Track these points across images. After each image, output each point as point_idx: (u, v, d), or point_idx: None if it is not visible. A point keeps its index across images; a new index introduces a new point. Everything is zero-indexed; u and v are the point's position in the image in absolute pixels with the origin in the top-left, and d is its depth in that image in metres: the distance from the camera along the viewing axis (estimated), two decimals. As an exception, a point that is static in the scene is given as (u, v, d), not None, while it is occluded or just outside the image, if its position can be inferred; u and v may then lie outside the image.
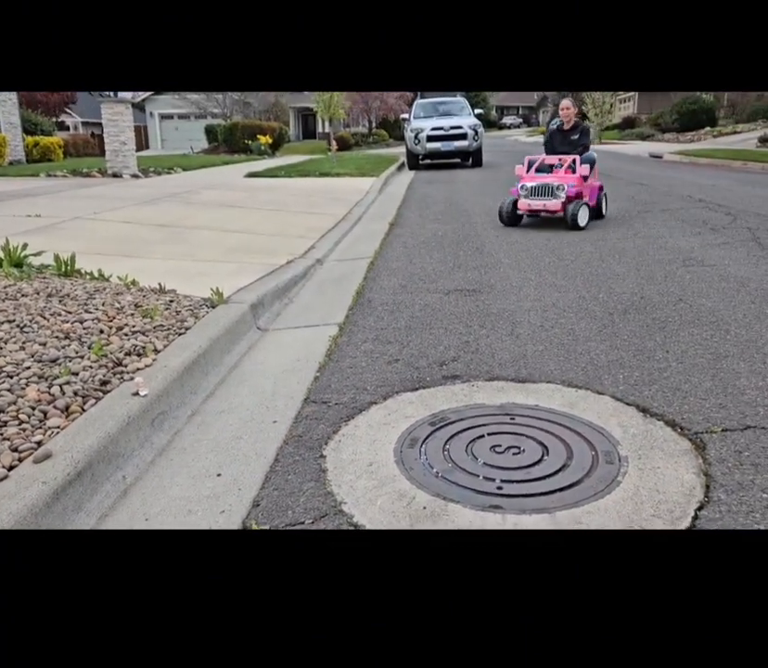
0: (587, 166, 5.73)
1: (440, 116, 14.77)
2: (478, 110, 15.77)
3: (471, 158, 14.33)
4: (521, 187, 5.75)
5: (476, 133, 13.76)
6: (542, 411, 2.07)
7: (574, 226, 5.41)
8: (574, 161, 5.82)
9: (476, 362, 2.52)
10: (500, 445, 1.86)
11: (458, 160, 14.86)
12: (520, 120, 63.88)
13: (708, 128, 24.36)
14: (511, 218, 5.85)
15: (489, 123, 47.94)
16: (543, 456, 1.80)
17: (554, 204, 5.57)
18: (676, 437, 1.86)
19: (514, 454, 1.82)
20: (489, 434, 1.93)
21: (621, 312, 3.11)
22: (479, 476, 1.71)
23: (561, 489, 1.65)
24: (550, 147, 6.22)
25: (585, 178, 5.78)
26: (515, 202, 5.79)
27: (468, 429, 1.97)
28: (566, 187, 5.53)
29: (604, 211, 6.24)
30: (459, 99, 16.96)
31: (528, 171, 5.99)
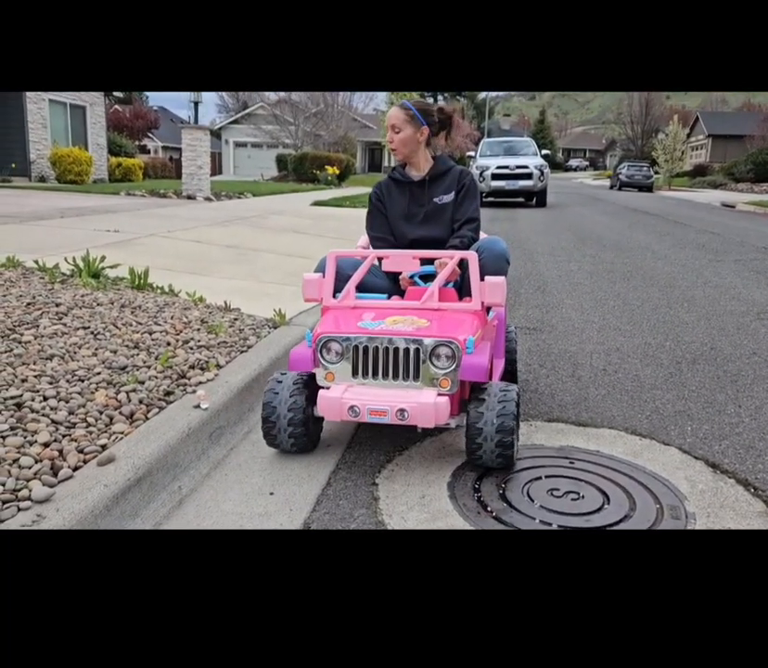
0: (501, 282, 1.99)
1: (506, 155, 14.93)
2: (545, 151, 15.88)
3: (535, 198, 14.37)
4: (322, 346, 1.87)
5: (541, 173, 13.81)
6: (603, 457, 2.00)
7: (505, 464, 1.84)
8: (461, 265, 2.13)
9: (534, 401, 2.46)
10: (558, 489, 1.80)
11: (522, 200, 14.91)
12: (586, 163, 64.00)
13: (783, 180, 23.79)
14: (308, 437, 1.93)
15: (555, 165, 48.30)
16: (603, 504, 1.73)
17: (425, 410, 1.72)
18: (749, 497, 1.76)
19: (572, 499, 1.75)
20: (546, 477, 1.87)
21: (690, 361, 3.00)
22: (535, 519, 1.65)
23: (622, 541, 1.57)
24: (378, 223, 2.40)
25: (487, 310, 2.13)
26: (305, 385, 1.91)
27: (525, 469, 1.91)
28: (456, 352, 1.80)
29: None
30: (526, 139, 17.16)
31: (336, 293, 2.07)
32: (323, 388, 1.86)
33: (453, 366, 1.81)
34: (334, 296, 2.08)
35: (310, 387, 1.92)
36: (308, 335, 1.93)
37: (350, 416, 1.77)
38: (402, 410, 1.73)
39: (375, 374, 1.85)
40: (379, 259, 2.22)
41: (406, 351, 1.83)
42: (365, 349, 1.85)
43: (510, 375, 2.47)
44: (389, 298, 2.19)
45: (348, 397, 1.77)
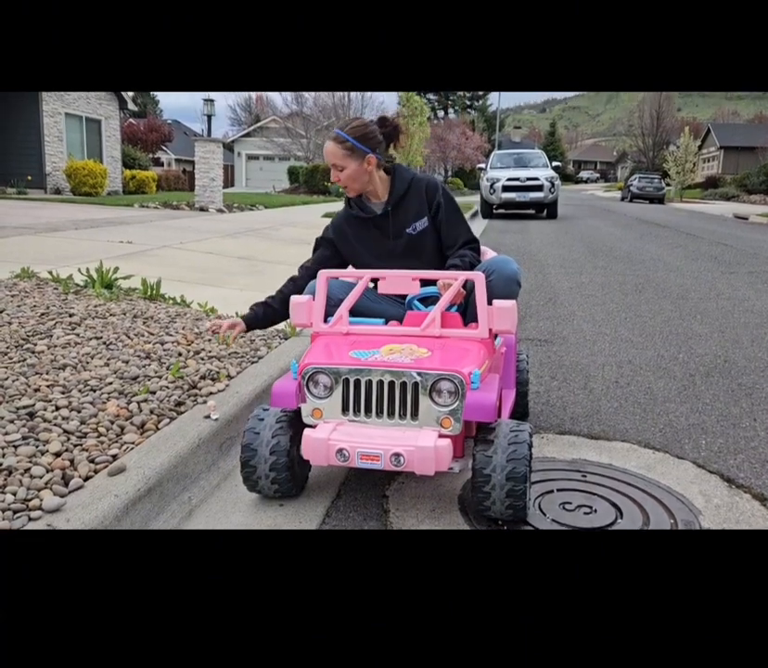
0: (512, 307, 1.79)
1: (517, 167, 14.98)
2: (555, 163, 15.91)
3: (546, 209, 14.38)
4: (308, 379, 1.66)
5: (552, 185, 13.83)
6: (616, 471, 1.98)
7: (515, 516, 1.63)
8: (465, 286, 1.92)
9: (546, 414, 2.44)
10: (570, 503, 1.78)
11: (532, 212, 14.93)
12: (597, 175, 64.14)
13: (797, 192, 23.67)
14: (293, 482, 1.73)
15: (565, 177, 48.38)
16: (616, 518, 1.70)
17: (424, 456, 1.51)
18: (766, 513, 1.73)
19: (585, 513, 1.73)
20: (558, 490, 1.85)
21: (704, 374, 2.97)
22: (547, 533, 1.63)
23: (636, 556, 1.54)
24: (320, 258, 2.19)
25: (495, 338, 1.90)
26: (291, 423, 1.71)
27: (537, 482, 1.89)
28: (459, 387, 1.57)
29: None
30: (537, 151, 17.24)
31: (327, 318, 1.90)
32: (309, 426, 1.64)
33: (456, 404, 1.58)
34: (325, 321, 1.89)
35: (295, 425, 1.70)
36: (294, 366, 1.70)
37: (338, 460, 1.55)
38: (397, 455, 1.51)
39: (368, 411, 1.63)
40: (374, 281, 2.05)
41: (403, 385, 1.60)
42: (357, 382, 1.62)
43: (521, 409, 2.29)
44: (386, 323, 1.94)
45: (336, 438, 1.55)
